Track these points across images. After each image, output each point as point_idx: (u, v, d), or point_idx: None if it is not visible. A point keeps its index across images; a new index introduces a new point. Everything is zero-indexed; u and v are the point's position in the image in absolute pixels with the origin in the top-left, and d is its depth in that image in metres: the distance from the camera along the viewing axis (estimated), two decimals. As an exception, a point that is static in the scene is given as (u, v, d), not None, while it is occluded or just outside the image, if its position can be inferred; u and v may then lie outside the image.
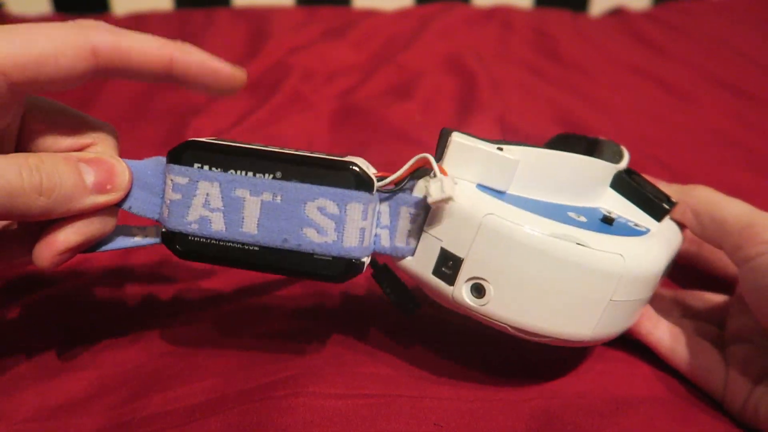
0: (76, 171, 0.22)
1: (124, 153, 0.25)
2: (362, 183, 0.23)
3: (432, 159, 0.23)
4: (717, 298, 0.32)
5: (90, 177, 0.22)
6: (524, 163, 0.24)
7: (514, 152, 0.24)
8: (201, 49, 0.24)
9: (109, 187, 0.23)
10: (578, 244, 0.23)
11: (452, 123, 0.58)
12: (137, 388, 0.26)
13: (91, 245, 0.24)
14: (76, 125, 0.24)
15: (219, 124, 0.53)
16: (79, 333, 0.29)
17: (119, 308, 0.31)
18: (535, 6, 1.07)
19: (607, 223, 0.25)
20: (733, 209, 0.27)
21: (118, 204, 0.23)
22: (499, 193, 0.24)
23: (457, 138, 0.24)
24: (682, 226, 0.30)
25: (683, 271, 0.35)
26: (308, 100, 0.60)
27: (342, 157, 0.24)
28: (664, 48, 0.82)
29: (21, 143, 0.23)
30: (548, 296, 0.23)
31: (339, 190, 0.23)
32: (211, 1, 0.94)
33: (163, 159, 0.24)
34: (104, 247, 0.24)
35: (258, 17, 0.86)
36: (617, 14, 1.00)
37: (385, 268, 0.27)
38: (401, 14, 0.91)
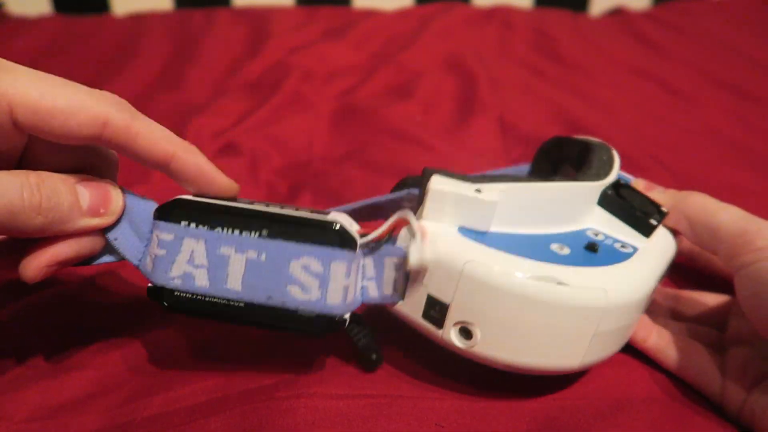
0: (73, 193, 0.22)
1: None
2: (346, 242, 0.23)
3: (411, 218, 0.24)
4: (718, 299, 0.32)
5: (85, 199, 0.22)
6: (505, 201, 0.25)
7: (493, 191, 0.25)
8: (203, 154, 0.24)
9: (102, 210, 0.23)
10: (559, 283, 0.23)
11: (452, 123, 0.58)
12: (138, 388, 0.26)
13: (78, 262, 0.24)
14: (78, 146, 0.24)
15: (219, 124, 0.53)
16: (79, 333, 0.29)
17: (119, 308, 0.31)
18: (535, 6, 1.07)
19: (591, 250, 0.26)
20: (726, 217, 0.27)
21: (106, 231, 0.24)
22: (480, 234, 0.25)
23: (434, 186, 0.24)
24: (676, 232, 0.30)
25: (685, 271, 0.35)
26: (308, 100, 0.60)
27: (325, 215, 0.24)
28: (664, 48, 0.82)
29: (23, 157, 0.23)
30: (533, 335, 0.23)
31: (323, 249, 0.23)
32: (211, 1, 0.94)
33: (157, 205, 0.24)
34: (93, 262, 0.25)
35: (258, 17, 0.86)
36: (617, 14, 1.00)
37: (357, 317, 0.27)
38: (401, 14, 0.91)
